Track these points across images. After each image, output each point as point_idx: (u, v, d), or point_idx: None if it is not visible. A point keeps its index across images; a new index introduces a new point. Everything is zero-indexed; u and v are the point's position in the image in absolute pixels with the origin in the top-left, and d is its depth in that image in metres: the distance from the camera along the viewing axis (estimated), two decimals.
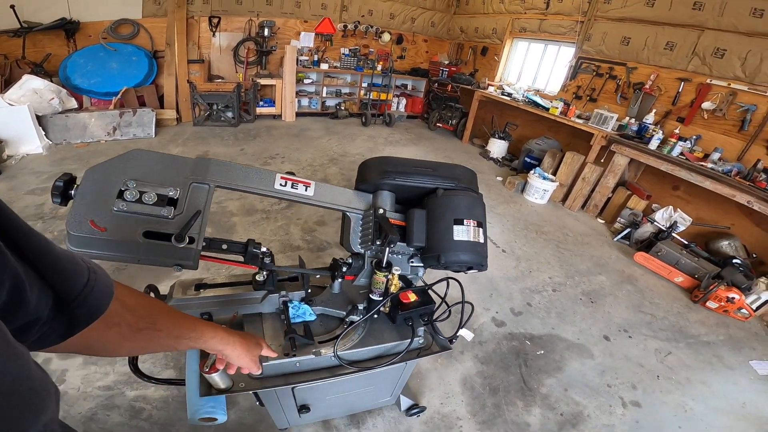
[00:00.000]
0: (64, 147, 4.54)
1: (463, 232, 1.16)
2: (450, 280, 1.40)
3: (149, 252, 0.95)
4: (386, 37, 7.21)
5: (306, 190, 1.17)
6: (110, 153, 4.50)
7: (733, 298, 3.09)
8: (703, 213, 4.21)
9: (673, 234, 3.92)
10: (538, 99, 5.64)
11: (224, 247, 1.09)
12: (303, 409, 1.47)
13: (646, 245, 3.97)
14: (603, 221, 4.72)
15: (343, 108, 7.29)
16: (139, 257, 0.96)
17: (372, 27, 7.13)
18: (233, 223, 3.36)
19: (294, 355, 1.14)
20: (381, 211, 1.21)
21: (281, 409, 1.46)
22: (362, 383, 1.57)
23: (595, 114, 4.87)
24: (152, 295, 1.22)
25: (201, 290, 1.26)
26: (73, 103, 4.79)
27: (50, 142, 4.47)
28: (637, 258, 3.81)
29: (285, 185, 1.14)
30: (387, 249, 1.15)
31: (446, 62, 7.62)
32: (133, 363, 1.16)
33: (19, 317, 0.36)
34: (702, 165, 3.84)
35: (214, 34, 6.05)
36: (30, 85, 4.36)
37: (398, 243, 1.23)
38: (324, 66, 6.83)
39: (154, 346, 0.65)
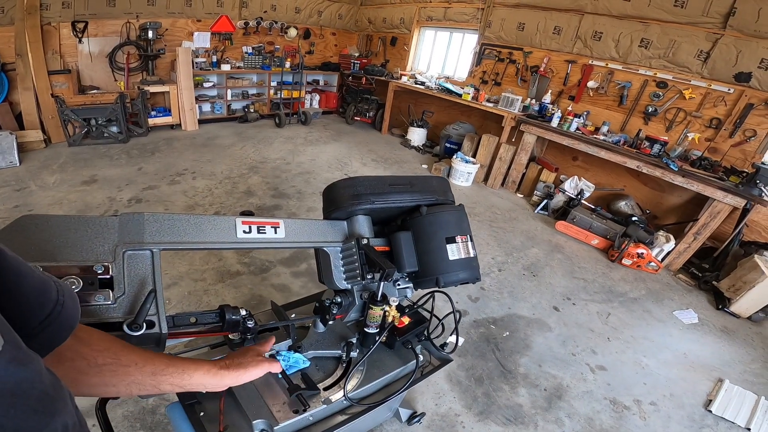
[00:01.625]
0: None
1: (456, 250, 1.10)
2: (436, 293, 1.35)
3: None
4: (292, 32, 6.80)
5: (276, 232, 0.99)
6: None
7: (642, 253, 3.60)
8: (601, 178, 4.82)
9: (581, 200, 4.41)
10: (450, 86, 5.86)
11: (193, 320, 0.87)
12: None
13: (562, 213, 4.42)
14: (522, 195, 5.14)
15: (252, 110, 6.73)
16: None
17: (276, 23, 6.65)
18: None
19: (305, 411, 0.99)
20: (365, 241, 1.07)
21: None
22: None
23: (503, 97, 5.22)
24: None
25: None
26: None
27: None
28: (558, 226, 4.23)
29: (249, 231, 0.95)
30: (382, 283, 1.03)
31: (357, 55, 7.49)
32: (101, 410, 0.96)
33: None
34: (595, 137, 4.37)
35: (80, 41, 5.04)
36: None
37: None
38: (225, 67, 6.19)
39: (126, 385, 0.60)
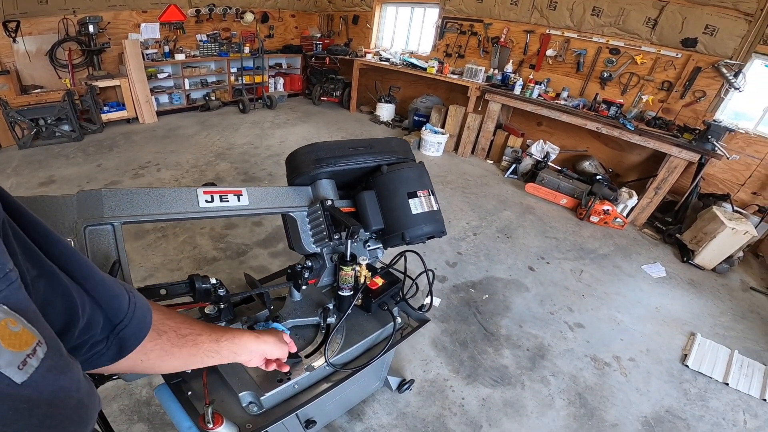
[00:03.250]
0: None
1: (419, 204, 1.13)
2: (408, 253, 1.39)
3: None
4: (249, 17, 6.51)
5: (239, 200, 0.99)
6: None
7: (608, 210, 3.78)
8: (565, 141, 4.98)
9: (548, 163, 4.56)
10: (414, 61, 5.83)
11: (163, 292, 0.87)
12: (309, 424, 1.38)
13: (531, 176, 4.56)
14: (492, 162, 5.26)
15: (213, 98, 6.48)
16: None
17: (231, 8, 6.34)
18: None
19: (289, 379, 1.02)
20: (329, 202, 1.10)
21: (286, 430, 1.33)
22: (355, 378, 1.53)
23: (466, 69, 5.25)
24: None
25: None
26: None
27: None
28: (528, 189, 4.37)
29: (212, 200, 0.95)
30: (349, 241, 1.06)
31: (318, 35, 7.28)
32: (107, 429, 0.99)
33: (70, 337, 0.38)
34: (556, 102, 4.50)
35: (14, 41, 4.68)
36: None
37: None
38: (180, 56, 5.89)
39: (200, 354, 0.66)
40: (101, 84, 5.21)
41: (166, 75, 5.96)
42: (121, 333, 0.45)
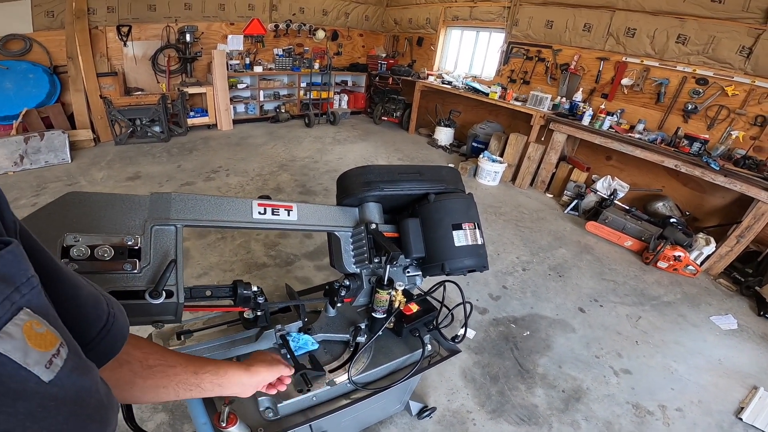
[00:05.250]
0: None
1: (463, 237, 1.11)
2: (447, 283, 1.37)
3: None
4: (320, 34, 6.98)
5: (289, 215, 1.04)
6: (23, 186, 3.88)
7: (680, 256, 3.41)
8: (636, 179, 4.61)
9: (615, 201, 4.24)
10: (477, 85, 5.80)
11: (208, 293, 0.94)
12: None
13: (594, 214, 4.26)
14: (551, 195, 5.00)
15: (283, 111, 6.96)
16: None
17: (305, 25, 6.86)
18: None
19: (309, 390, 1.04)
20: (373, 226, 1.11)
21: None
22: (375, 399, 1.52)
23: (531, 96, 5.11)
24: None
25: (185, 338, 1.10)
26: None
27: None
28: (589, 227, 4.08)
29: (264, 213, 1.01)
30: (388, 266, 1.07)
31: (384, 55, 7.57)
32: (129, 416, 1.05)
33: None
34: (630, 136, 4.19)
35: (125, 44, 5.43)
36: None
37: None
38: (258, 69, 6.45)
39: (175, 385, 0.64)
40: (191, 90, 5.83)
41: (244, 86, 6.53)
42: (86, 355, 0.43)
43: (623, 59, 4.56)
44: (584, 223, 4.19)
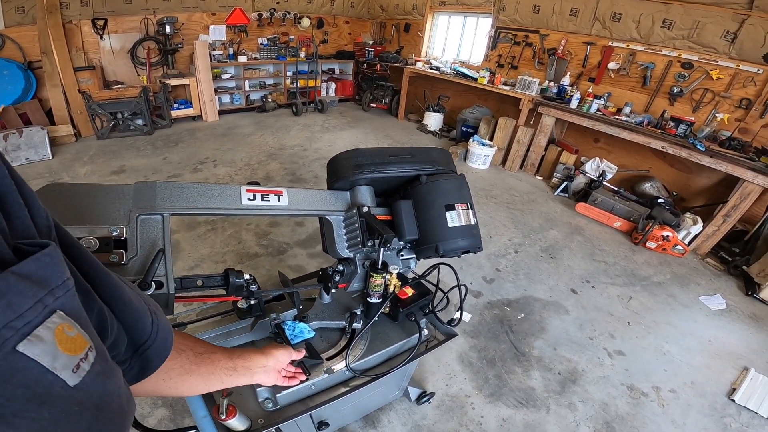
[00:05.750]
0: None
1: (456, 218, 1.10)
2: (441, 266, 1.36)
3: None
4: (306, 22, 6.82)
5: (279, 200, 1.02)
6: None
7: (668, 236, 3.46)
8: (624, 160, 4.66)
9: (603, 182, 4.29)
10: (465, 70, 5.76)
11: (199, 283, 0.92)
12: (322, 425, 1.39)
13: (583, 195, 4.31)
14: (541, 178, 5.03)
15: (270, 100, 6.83)
16: None
17: (289, 13, 6.69)
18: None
19: (307, 379, 1.03)
20: (365, 209, 1.10)
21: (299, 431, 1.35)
22: (374, 385, 1.52)
23: (520, 80, 5.10)
24: None
25: (178, 330, 1.08)
26: None
27: None
28: (579, 208, 4.13)
29: (254, 199, 0.99)
30: (382, 249, 1.06)
31: (371, 42, 7.45)
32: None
33: None
34: (617, 118, 4.22)
35: (101, 38, 5.24)
36: None
37: None
38: (242, 58, 6.29)
39: (218, 372, 0.67)
40: (173, 82, 5.68)
41: (229, 76, 6.38)
42: (145, 353, 0.45)
43: (609, 44, 4.57)
44: (574, 204, 4.23)
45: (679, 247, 3.52)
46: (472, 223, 1.13)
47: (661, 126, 3.97)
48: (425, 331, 1.30)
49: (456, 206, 1.11)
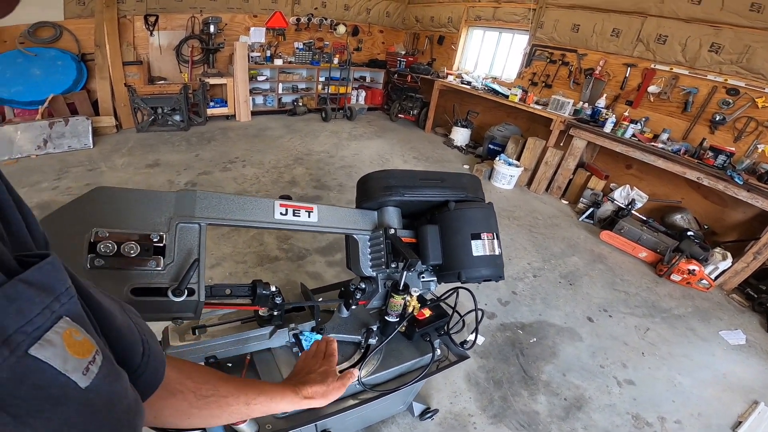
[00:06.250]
0: None
1: (481, 247, 1.11)
2: (460, 289, 1.37)
3: (142, 309, 0.80)
4: (341, 29, 6.98)
5: (309, 217, 1.05)
6: (45, 169, 3.99)
7: (694, 270, 3.34)
8: (656, 189, 4.51)
9: (632, 211, 4.16)
10: (497, 87, 5.73)
11: (228, 292, 0.96)
12: None
13: (609, 223, 4.19)
14: (567, 202, 4.93)
15: (301, 104, 7.00)
16: None
17: (326, 19, 6.87)
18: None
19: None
20: (392, 231, 1.12)
21: None
22: (380, 399, 1.54)
23: (553, 100, 5.03)
24: None
25: (199, 333, 1.12)
26: None
27: None
28: (603, 236, 4.02)
29: (286, 213, 1.02)
30: (405, 272, 1.07)
31: (403, 53, 7.53)
32: None
33: None
34: (653, 145, 4.09)
35: (151, 34, 5.52)
36: None
37: None
38: (278, 61, 6.49)
39: (228, 415, 0.64)
40: (212, 81, 5.90)
41: (264, 78, 6.58)
42: (135, 383, 0.43)
43: (652, 66, 4.44)
44: (599, 231, 4.13)
45: (704, 281, 3.39)
46: (497, 253, 1.13)
47: (699, 155, 3.83)
48: (438, 352, 1.31)
49: (482, 235, 1.11)
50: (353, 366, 1.20)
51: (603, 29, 4.82)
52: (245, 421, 0.92)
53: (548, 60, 5.51)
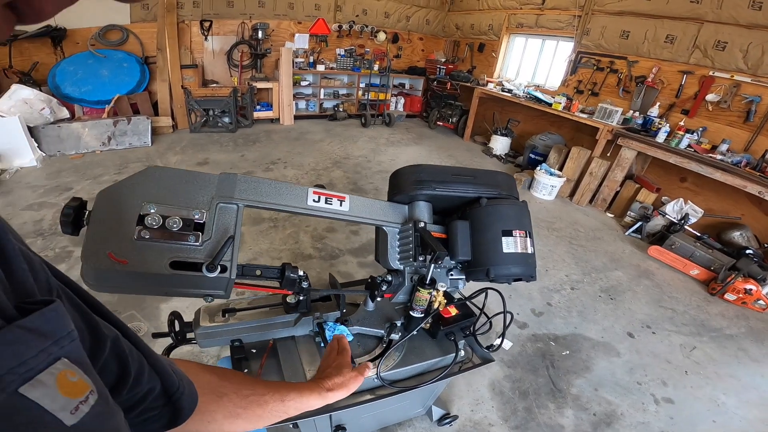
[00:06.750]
0: (58, 159, 4.40)
1: (512, 244, 1.08)
2: (490, 290, 1.33)
3: (177, 284, 0.86)
4: (381, 36, 7.11)
5: (341, 205, 1.08)
6: (107, 164, 4.36)
7: (751, 289, 3.07)
8: (712, 204, 4.17)
9: (685, 226, 3.87)
10: (539, 95, 5.58)
11: (258, 273, 0.99)
12: (339, 429, 1.41)
13: (659, 238, 3.92)
14: (612, 215, 4.67)
15: (341, 109, 7.18)
16: (165, 290, 0.86)
17: (367, 26, 7.03)
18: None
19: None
20: (421, 224, 1.12)
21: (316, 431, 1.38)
22: (399, 398, 1.51)
23: (600, 108, 4.81)
24: (176, 323, 1.13)
25: (228, 316, 1.17)
26: (64, 113, 4.65)
27: (44, 154, 4.32)
28: (652, 252, 3.77)
29: (318, 201, 1.05)
30: (432, 266, 1.06)
31: (443, 60, 7.53)
32: None
33: (116, 395, 0.40)
34: (711, 157, 3.80)
35: (206, 38, 5.90)
36: (19, 95, 4.21)
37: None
38: (320, 67, 6.71)
39: (269, 413, 0.66)
40: (259, 85, 6.21)
41: (307, 83, 6.82)
42: (178, 401, 0.48)
43: (710, 73, 4.15)
44: (646, 246, 3.87)
45: (761, 302, 3.10)
46: (529, 251, 1.10)
47: (762, 168, 3.51)
48: (462, 353, 1.28)
49: (514, 232, 1.08)
50: (374, 359, 1.20)
51: (656, 35, 4.58)
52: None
53: (595, 67, 5.30)
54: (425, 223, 1.13)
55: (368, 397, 1.16)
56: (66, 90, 4.85)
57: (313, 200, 1.04)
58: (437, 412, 1.86)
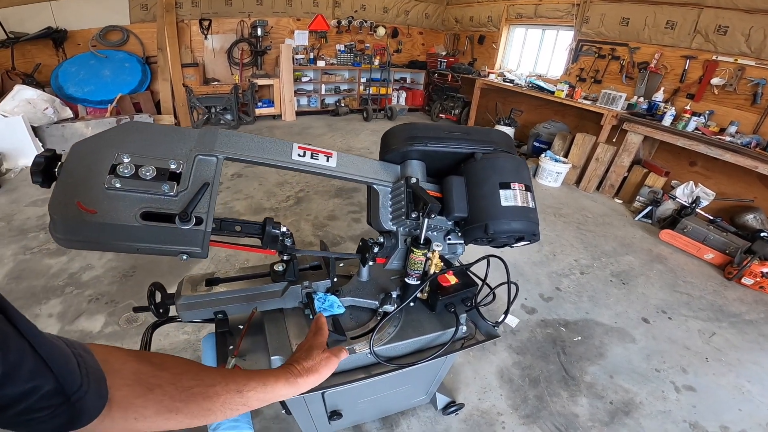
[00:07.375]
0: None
1: (510, 197, 1.01)
2: (491, 258, 1.26)
3: (149, 237, 0.80)
4: (381, 31, 7.07)
5: (327, 161, 1.03)
6: None
7: None
8: (724, 187, 4.05)
9: (696, 210, 3.75)
10: (541, 83, 5.49)
11: (238, 228, 0.94)
12: (334, 415, 1.32)
13: (670, 223, 3.81)
14: (621, 201, 4.57)
15: (343, 104, 7.15)
16: (137, 245, 0.81)
17: (366, 22, 7.00)
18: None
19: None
20: (414, 180, 1.06)
21: (310, 417, 1.31)
22: (398, 382, 1.42)
23: (603, 94, 4.72)
24: (158, 294, 1.08)
25: (212, 286, 1.12)
26: (68, 113, 4.67)
27: None
28: (663, 236, 3.66)
29: (303, 155, 1.00)
30: (426, 221, 1.00)
31: (443, 53, 7.48)
32: None
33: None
34: (720, 139, 3.69)
35: (206, 37, 5.92)
36: (23, 95, 4.24)
37: (437, 216, 1.07)
38: (321, 63, 6.70)
39: (220, 406, 0.56)
40: (260, 82, 6.21)
41: (308, 79, 6.81)
42: (79, 401, 0.41)
43: (714, 57, 4.06)
44: (657, 231, 3.76)
45: None
46: (530, 206, 1.03)
47: None
48: (463, 327, 1.19)
49: (512, 185, 1.01)
50: (366, 334, 1.12)
51: (656, 21, 4.50)
52: None
53: (596, 55, 5.21)
54: (417, 179, 1.07)
55: (361, 375, 1.07)
56: (69, 90, 4.88)
57: (298, 155, 0.99)
58: (442, 400, 1.77)
